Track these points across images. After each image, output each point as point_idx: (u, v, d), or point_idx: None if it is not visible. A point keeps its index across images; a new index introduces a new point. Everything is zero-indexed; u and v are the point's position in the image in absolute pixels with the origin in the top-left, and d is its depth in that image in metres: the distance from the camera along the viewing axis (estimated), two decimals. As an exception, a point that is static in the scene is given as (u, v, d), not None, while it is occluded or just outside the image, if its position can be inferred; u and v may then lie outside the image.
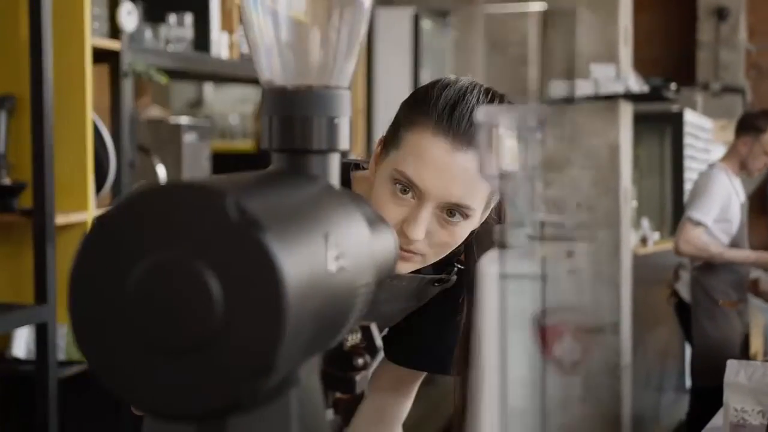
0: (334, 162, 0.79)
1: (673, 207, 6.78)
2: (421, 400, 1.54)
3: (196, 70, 3.18)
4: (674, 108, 6.62)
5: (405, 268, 1.26)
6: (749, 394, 1.87)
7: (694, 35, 9.41)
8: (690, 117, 6.92)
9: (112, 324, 0.62)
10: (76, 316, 0.62)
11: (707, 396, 4.10)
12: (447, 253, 1.27)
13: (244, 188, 0.66)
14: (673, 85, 5.69)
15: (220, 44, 3.20)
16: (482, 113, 0.71)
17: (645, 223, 5.75)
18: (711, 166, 4.34)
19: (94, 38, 2.55)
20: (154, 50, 2.91)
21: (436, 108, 1.23)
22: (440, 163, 1.20)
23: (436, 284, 1.36)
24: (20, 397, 2.51)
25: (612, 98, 5.03)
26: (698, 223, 4.02)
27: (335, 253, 0.69)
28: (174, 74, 3.14)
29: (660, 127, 6.71)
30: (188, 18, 3.02)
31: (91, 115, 2.50)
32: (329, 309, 0.69)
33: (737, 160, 4.19)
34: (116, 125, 2.65)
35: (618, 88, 5.09)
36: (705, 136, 7.40)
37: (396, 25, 5.60)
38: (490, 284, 0.69)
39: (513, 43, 5.64)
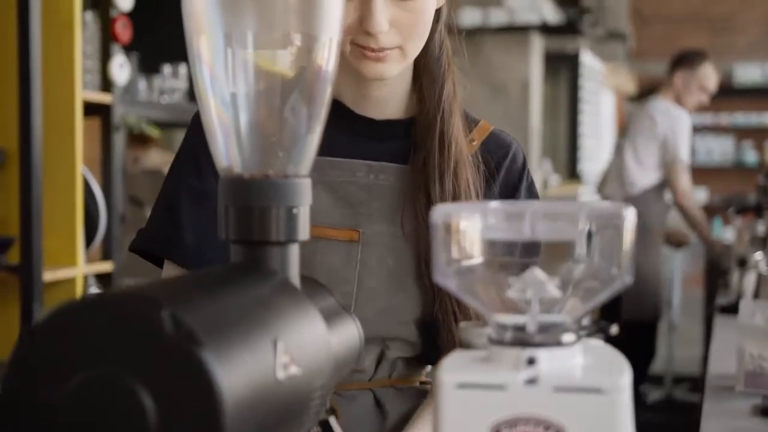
0: (293, 253, 0.76)
1: (567, 149, 6.72)
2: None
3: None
4: (569, 48, 6.56)
5: (389, 70, 1.16)
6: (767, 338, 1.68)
7: None
8: (585, 58, 6.85)
9: (40, 445, 0.59)
10: (3, 434, 0.59)
11: (637, 331, 4.12)
12: (424, 36, 1.17)
13: (184, 296, 0.63)
14: (589, 17, 5.64)
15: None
16: (440, 212, 0.68)
17: (547, 164, 5.68)
18: (654, 99, 4.37)
19: (85, 91, 2.53)
20: (148, 102, 2.90)
21: None
22: None
23: None
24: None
25: (525, 30, 5.00)
26: (688, 165, 4.13)
27: (285, 359, 0.66)
28: (168, 125, 3.12)
29: (555, 67, 6.63)
30: (183, 69, 3.01)
31: (81, 168, 2.48)
32: (278, 418, 0.66)
33: (672, 95, 4.26)
34: (107, 178, 2.63)
35: (532, 18, 5.07)
36: (597, 79, 7.38)
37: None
38: (447, 394, 0.66)
39: None
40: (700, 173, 10.06)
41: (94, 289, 2.75)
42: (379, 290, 1.18)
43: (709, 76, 4.29)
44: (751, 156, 9.99)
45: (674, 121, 4.22)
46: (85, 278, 2.58)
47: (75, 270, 2.48)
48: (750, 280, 2.92)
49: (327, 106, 0.78)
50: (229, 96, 0.76)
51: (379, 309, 1.19)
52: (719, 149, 10.07)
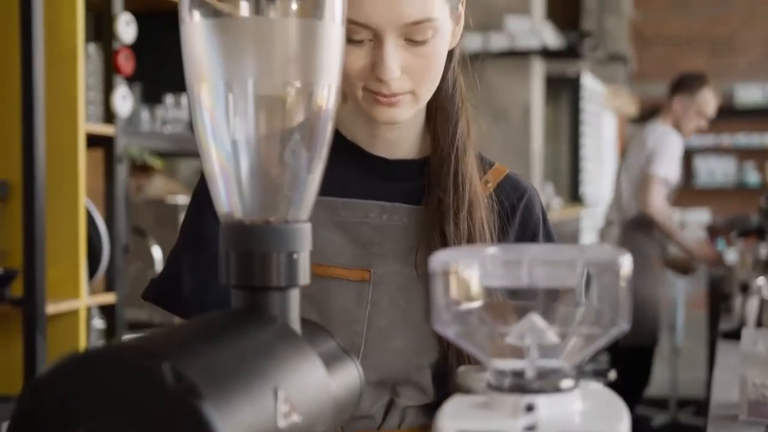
0: (294, 298, 0.77)
1: (569, 172, 6.71)
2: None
3: (193, 150, 3.18)
4: (569, 72, 6.58)
5: (401, 114, 1.15)
6: None
7: (579, 0, 9.49)
8: (586, 81, 6.87)
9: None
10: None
11: (629, 356, 4.12)
12: (437, 80, 1.16)
13: (185, 347, 0.64)
14: (589, 42, 5.65)
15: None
16: (438, 261, 0.68)
17: (549, 188, 5.68)
18: (653, 123, 4.38)
19: (88, 124, 2.55)
20: (150, 132, 2.91)
21: None
22: None
23: None
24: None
25: (526, 54, 5.01)
26: (666, 182, 4.10)
27: (286, 408, 0.66)
28: (171, 154, 3.14)
29: (556, 90, 6.65)
30: (185, 99, 3.03)
31: (84, 201, 2.49)
32: (279, 467, 0.66)
33: (671, 119, 4.26)
34: (110, 209, 2.64)
35: (533, 42, 5.09)
36: (599, 101, 7.40)
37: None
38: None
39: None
40: (702, 194, 10.07)
41: (97, 321, 2.75)
42: (390, 331, 1.17)
43: (708, 102, 4.29)
44: (753, 177, 9.99)
45: (661, 138, 4.24)
46: (89, 310, 2.59)
47: (78, 302, 2.48)
48: (753, 306, 2.92)
49: (327, 149, 0.79)
50: (230, 142, 0.77)
51: (390, 350, 1.18)
52: (721, 170, 10.08)
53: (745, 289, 3.26)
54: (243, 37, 0.78)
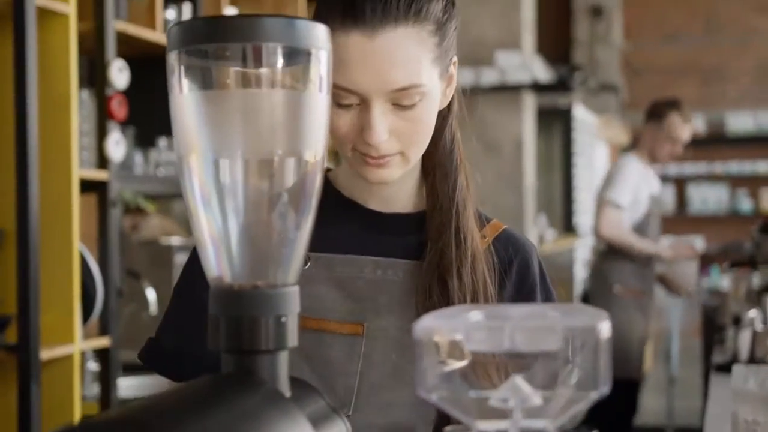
0: (283, 360, 0.78)
1: (562, 203, 6.72)
2: None
3: (186, 192, 3.17)
4: (561, 103, 6.62)
5: (391, 174, 1.16)
6: (761, 403, 1.69)
7: (569, 33, 9.56)
8: (578, 112, 6.91)
9: None
10: None
11: (619, 389, 4.09)
12: (426, 141, 1.16)
13: (173, 416, 0.65)
14: (579, 75, 5.68)
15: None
16: (422, 329, 0.70)
17: (542, 219, 5.69)
18: (625, 154, 4.40)
19: (82, 169, 2.57)
20: (144, 176, 2.93)
21: (346, 1, 1.11)
22: (362, 56, 1.09)
23: None
24: None
25: (517, 89, 5.04)
26: (617, 206, 4.08)
27: (274, 474, 0.68)
28: (165, 197, 3.16)
29: (548, 122, 6.68)
30: (178, 141, 3.03)
31: (78, 246, 2.51)
32: None
33: (646, 149, 4.27)
34: (104, 254, 2.65)
35: (524, 77, 5.12)
36: (591, 132, 7.43)
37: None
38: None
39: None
40: (696, 222, 10.11)
41: (91, 364, 2.76)
42: (382, 385, 1.18)
43: (675, 126, 4.25)
44: (746, 204, 10.03)
45: (618, 164, 4.27)
46: (83, 354, 2.59)
47: (72, 347, 2.49)
48: (745, 338, 2.93)
49: (314, 212, 0.81)
50: (219, 209, 0.78)
51: (382, 404, 1.18)
52: (714, 198, 10.12)
53: (737, 321, 3.27)
54: (231, 109, 0.80)
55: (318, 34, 0.78)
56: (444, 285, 1.18)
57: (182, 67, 0.78)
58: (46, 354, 2.39)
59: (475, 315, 0.73)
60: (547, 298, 1.26)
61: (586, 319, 0.70)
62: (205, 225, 0.79)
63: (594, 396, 0.69)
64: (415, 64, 1.11)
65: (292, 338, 0.78)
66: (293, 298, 0.78)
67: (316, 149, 0.79)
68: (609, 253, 4.22)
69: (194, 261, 1.25)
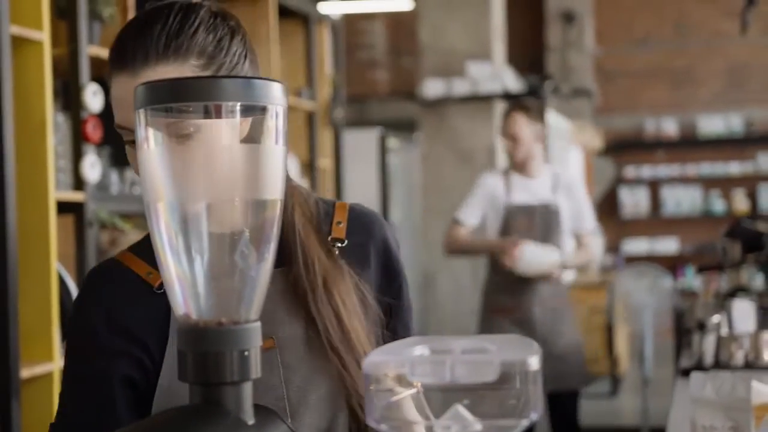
0: (246, 390, 0.85)
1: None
2: None
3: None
4: None
5: None
6: (719, 409, 1.75)
7: (541, 39, 9.69)
8: (551, 119, 6.97)
9: None
10: None
11: (559, 401, 4.14)
12: None
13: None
14: (549, 84, 5.76)
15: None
16: (370, 364, 0.77)
17: None
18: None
19: (58, 191, 2.62)
20: (119, 196, 2.99)
21: (114, 44, 1.20)
22: (126, 95, 1.15)
23: None
24: None
25: (489, 98, 5.07)
26: (456, 222, 4.10)
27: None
28: (141, 215, 3.21)
29: None
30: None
31: (55, 266, 2.56)
32: None
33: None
34: (81, 273, 2.71)
35: (495, 87, 5.16)
36: (564, 137, 7.50)
37: (364, 144, 5.77)
38: None
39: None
40: (670, 223, 10.24)
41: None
42: (308, 384, 1.24)
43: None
44: (719, 205, 10.17)
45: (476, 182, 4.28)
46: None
47: (52, 365, 2.54)
48: (710, 343, 2.99)
49: (274, 252, 0.88)
50: (185, 252, 0.85)
51: (315, 400, 1.24)
52: (688, 199, 10.25)
53: (701, 326, 3.35)
54: (194, 160, 0.87)
55: (273, 92, 0.85)
56: (308, 312, 1.24)
57: (148, 123, 0.84)
58: (26, 372, 2.44)
59: (420, 349, 0.80)
60: (398, 267, 1.34)
61: (519, 353, 0.77)
62: (171, 266, 0.85)
63: (526, 422, 0.76)
64: None
65: (255, 369, 0.85)
66: (255, 332, 0.85)
67: (274, 193, 0.86)
68: (487, 276, 4.21)
69: (87, 322, 1.24)
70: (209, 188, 0.86)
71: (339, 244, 1.29)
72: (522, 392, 0.76)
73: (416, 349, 0.80)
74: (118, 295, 1.24)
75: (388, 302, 1.32)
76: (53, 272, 2.54)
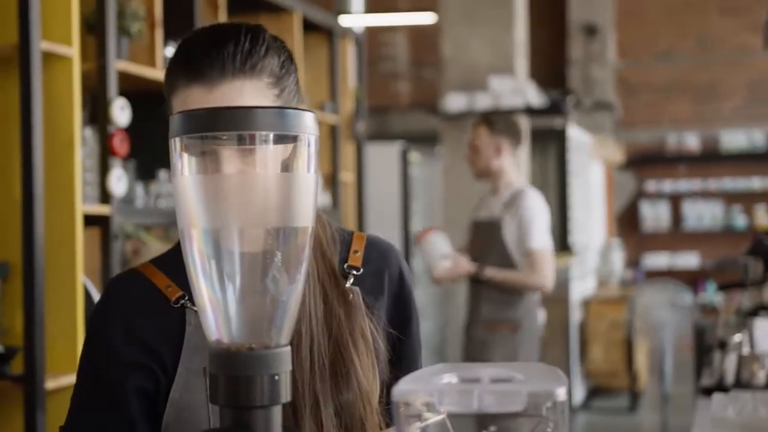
0: (276, 414, 0.86)
1: (558, 223, 6.75)
2: None
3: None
4: (555, 124, 6.67)
5: None
6: (739, 430, 1.75)
7: (564, 52, 9.66)
8: (572, 132, 6.96)
9: None
10: None
11: None
12: None
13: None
14: (571, 98, 5.75)
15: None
16: (398, 392, 0.78)
17: None
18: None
19: (85, 205, 2.65)
20: (145, 209, 3.02)
21: (182, 56, 1.20)
22: (197, 106, 1.15)
23: None
24: None
25: (510, 112, 5.08)
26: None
27: None
28: (166, 227, 3.24)
29: (542, 143, 6.73)
30: (178, 172, 3.11)
31: (81, 278, 2.59)
32: None
33: None
34: (106, 285, 2.73)
35: (517, 102, 5.16)
36: (585, 151, 7.48)
37: (386, 158, 5.79)
38: None
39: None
40: (691, 238, 10.19)
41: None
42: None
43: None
44: (740, 220, 10.12)
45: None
46: (87, 383, 2.66)
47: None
48: (731, 362, 2.98)
49: (304, 278, 0.89)
50: (217, 278, 0.87)
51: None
52: (709, 214, 10.21)
53: (722, 345, 3.33)
54: (227, 188, 0.89)
55: (306, 121, 0.86)
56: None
57: (184, 152, 0.86)
58: (51, 384, 2.47)
59: (448, 377, 0.82)
60: (411, 301, 1.34)
61: (546, 384, 0.78)
62: (204, 291, 0.87)
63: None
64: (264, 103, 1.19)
65: (285, 393, 0.86)
66: (286, 357, 0.87)
67: (305, 221, 0.88)
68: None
69: (104, 331, 1.25)
70: (242, 215, 0.87)
71: (354, 272, 1.29)
72: (549, 422, 0.77)
73: (444, 377, 0.81)
74: (135, 306, 1.25)
75: (396, 335, 1.31)
76: (79, 284, 2.57)
